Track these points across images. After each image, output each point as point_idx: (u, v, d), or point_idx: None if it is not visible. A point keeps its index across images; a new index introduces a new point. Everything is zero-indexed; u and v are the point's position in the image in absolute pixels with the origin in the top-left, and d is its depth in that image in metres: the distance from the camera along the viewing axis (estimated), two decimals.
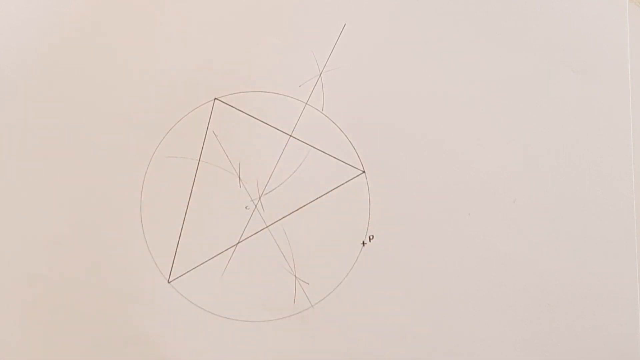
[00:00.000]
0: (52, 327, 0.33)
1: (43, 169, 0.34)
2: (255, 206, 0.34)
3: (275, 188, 0.34)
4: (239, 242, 0.34)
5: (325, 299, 0.34)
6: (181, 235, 0.34)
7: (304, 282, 0.34)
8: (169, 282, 0.34)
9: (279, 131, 0.35)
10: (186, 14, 0.35)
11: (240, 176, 0.34)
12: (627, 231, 0.34)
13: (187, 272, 0.34)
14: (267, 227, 0.34)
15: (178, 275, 0.34)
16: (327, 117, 0.35)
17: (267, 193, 0.34)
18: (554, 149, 0.35)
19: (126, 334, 0.32)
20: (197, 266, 0.34)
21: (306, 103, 0.35)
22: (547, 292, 0.34)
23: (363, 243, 0.34)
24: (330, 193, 0.34)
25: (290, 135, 0.35)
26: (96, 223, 0.34)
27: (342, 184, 0.34)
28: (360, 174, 0.34)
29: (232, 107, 0.35)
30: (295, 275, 0.34)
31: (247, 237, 0.34)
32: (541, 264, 0.34)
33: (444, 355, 0.34)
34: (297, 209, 0.34)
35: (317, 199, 0.34)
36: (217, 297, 0.34)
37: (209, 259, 0.34)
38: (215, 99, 0.35)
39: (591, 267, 0.34)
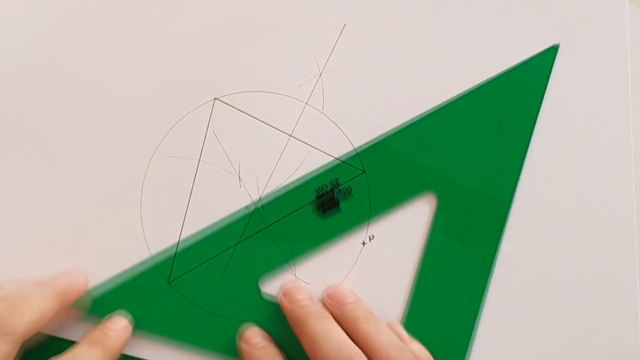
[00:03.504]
0: None
1: (43, 169, 0.34)
2: (255, 206, 0.34)
3: (276, 188, 0.34)
4: (239, 242, 0.34)
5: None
6: (181, 235, 0.34)
7: (304, 282, 0.34)
8: (169, 282, 0.34)
9: (279, 131, 0.35)
10: (186, 14, 0.35)
11: (240, 176, 0.34)
12: (627, 231, 0.34)
13: (187, 272, 0.34)
14: (267, 227, 0.34)
15: (178, 275, 0.34)
16: (327, 117, 0.35)
17: (267, 193, 0.34)
18: (554, 149, 0.35)
19: None
20: (197, 266, 0.34)
21: (306, 103, 0.35)
22: (547, 292, 0.34)
23: (363, 243, 0.34)
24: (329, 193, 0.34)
25: (290, 135, 0.35)
26: (96, 223, 0.34)
27: (342, 184, 0.34)
28: (360, 174, 0.34)
29: (232, 107, 0.35)
30: (295, 276, 0.34)
31: (247, 237, 0.34)
32: (541, 264, 0.34)
33: (443, 355, 0.34)
34: (297, 209, 0.34)
35: (317, 198, 0.34)
36: (217, 297, 0.34)
37: (209, 259, 0.34)
38: (215, 99, 0.35)
39: (591, 267, 0.34)
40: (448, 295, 0.34)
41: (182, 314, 0.33)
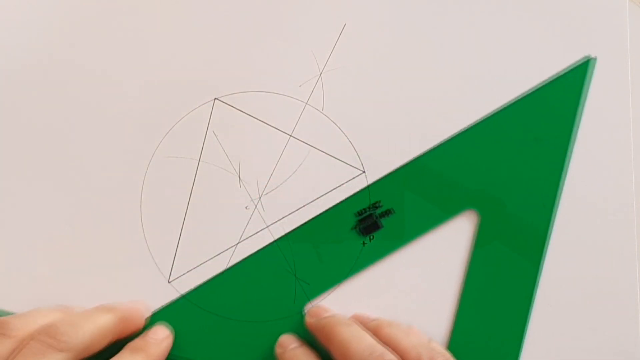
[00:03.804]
0: None
1: (43, 169, 0.34)
2: (256, 206, 0.34)
3: (275, 188, 0.34)
4: (239, 242, 0.34)
5: (325, 299, 0.34)
6: (181, 235, 0.34)
7: (304, 282, 0.34)
8: (169, 282, 0.34)
9: (279, 131, 0.35)
10: (186, 14, 0.35)
11: (240, 176, 0.34)
12: (627, 231, 0.34)
13: (187, 272, 0.34)
14: (267, 227, 0.34)
15: (178, 275, 0.34)
16: (327, 117, 0.35)
17: (267, 193, 0.34)
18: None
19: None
20: (197, 266, 0.34)
21: (306, 103, 0.35)
22: (547, 292, 0.34)
23: (363, 243, 0.34)
24: (330, 193, 0.34)
25: (290, 135, 0.35)
26: (96, 223, 0.34)
27: (342, 184, 0.34)
28: (360, 174, 0.34)
29: (232, 107, 0.35)
30: (295, 275, 0.34)
31: (247, 237, 0.34)
32: (541, 264, 0.34)
33: None
34: (297, 209, 0.34)
35: (317, 199, 0.34)
36: (217, 297, 0.34)
37: (209, 259, 0.34)
38: (215, 99, 0.35)
39: (591, 267, 0.34)
40: (494, 309, 0.34)
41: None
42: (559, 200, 0.34)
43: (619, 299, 0.34)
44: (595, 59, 0.35)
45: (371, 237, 0.34)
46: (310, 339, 0.33)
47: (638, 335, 0.34)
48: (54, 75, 0.35)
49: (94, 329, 0.30)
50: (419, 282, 0.34)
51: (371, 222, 0.34)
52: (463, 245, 0.34)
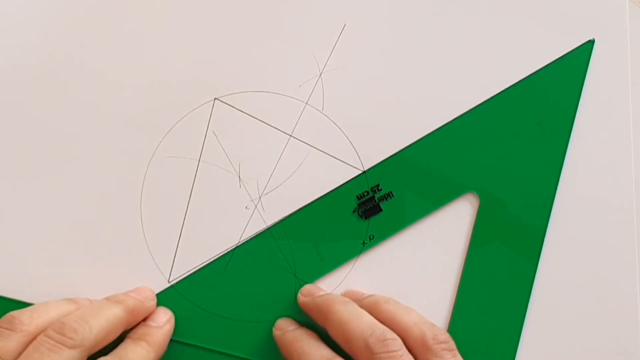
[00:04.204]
0: None
1: (43, 169, 0.34)
2: (256, 206, 0.34)
3: (275, 188, 0.34)
4: (239, 242, 0.34)
5: None
6: (181, 235, 0.34)
7: (304, 282, 0.34)
8: (169, 282, 0.34)
9: (279, 131, 0.35)
10: (187, 14, 0.35)
11: (240, 176, 0.34)
12: (627, 231, 0.34)
13: (187, 272, 0.34)
14: (267, 227, 0.34)
15: (178, 275, 0.34)
16: (327, 117, 0.35)
17: (267, 193, 0.34)
18: None
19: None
20: (197, 266, 0.34)
21: (306, 103, 0.35)
22: (547, 292, 0.34)
23: (363, 243, 0.34)
24: (330, 193, 0.34)
25: (290, 135, 0.35)
26: (96, 223, 0.34)
27: (342, 184, 0.34)
28: (361, 174, 0.34)
29: (232, 107, 0.35)
30: (295, 275, 0.34)
31: (247, 237, 0.34)
32: (541, 264, 0.34)
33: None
34: (298, 209, 0.34)
35: (317, 199, 0.34)
36: (217, 297, 0.34)
37: (209, 259, 0.34)
38: (215, 99, 0.35)
39: (591, 267, 0.34)
40: (490, 307, 0.34)
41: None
42: (557, 197, 0.34)
43: (619, 299, 0.34)
44: (593, 41, 0.35)
45: (371, 236, 0.34)
46: (308, 325, 0.33)
47: (638, 335, 0.34)
48: (53, 75, 0.35)
49: (104, 324, 0.30)
50: (417, 279, 0.34)
51: (372, 205, 0.34)
52: (461, 240, 0.34)
